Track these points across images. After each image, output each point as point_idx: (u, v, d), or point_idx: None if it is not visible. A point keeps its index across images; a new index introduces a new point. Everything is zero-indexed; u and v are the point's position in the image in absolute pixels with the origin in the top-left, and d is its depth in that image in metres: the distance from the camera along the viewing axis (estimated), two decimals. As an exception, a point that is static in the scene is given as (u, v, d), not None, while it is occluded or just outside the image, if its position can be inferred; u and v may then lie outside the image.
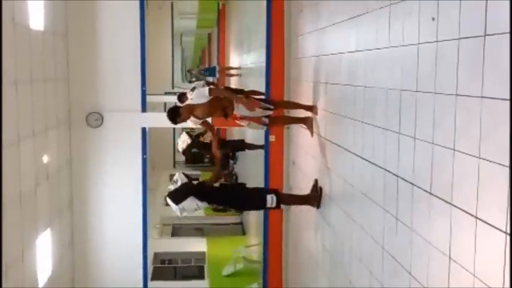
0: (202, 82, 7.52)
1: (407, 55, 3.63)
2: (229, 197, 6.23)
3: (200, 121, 6.01)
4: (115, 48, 8.19)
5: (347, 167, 5.12)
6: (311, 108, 6.36)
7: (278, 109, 6.66)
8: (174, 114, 5.82)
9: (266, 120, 6.35)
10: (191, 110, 5.83)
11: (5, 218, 5.25)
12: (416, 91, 3.48)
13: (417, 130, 3.48)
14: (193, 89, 6.06)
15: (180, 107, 5.92)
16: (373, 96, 4.37)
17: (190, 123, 6.07)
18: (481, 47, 2.68)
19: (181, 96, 7.91)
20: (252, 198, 6.22)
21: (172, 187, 6.03)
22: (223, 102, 5.97)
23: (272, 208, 6.20)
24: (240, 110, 6.01)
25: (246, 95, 6.22)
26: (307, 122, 6.39)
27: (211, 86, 6.27)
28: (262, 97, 6.95)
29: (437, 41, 3.18)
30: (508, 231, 2.47)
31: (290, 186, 7.87)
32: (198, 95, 5.81)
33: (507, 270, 2.48)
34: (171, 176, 20.16)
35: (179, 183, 5.95)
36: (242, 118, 6.17)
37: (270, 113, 6.28)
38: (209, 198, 6.04)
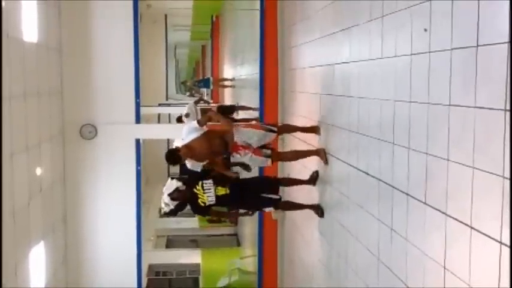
0: (188, 113, 7.59)
1: (400, 66, 3.65)
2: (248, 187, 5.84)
3: (202, 163, 5.54)
4: (109, 60, 8.18)
5: (342, 177, 5.12)
6: (314, 130, 5.95)
7: (280, 133, 6.06)
8: (174, 158, 5.41)
9: (268, 152, 5.75)
10: (189, 149, 5.39)
11: (-2, 232, 5.22)
12: (410, 102, 3.49)
13: (411, 140, 3.49)
14: (180, 119, 5.94)
15: (179, 150, 5.44)
16: (367, 107, 4.38)
17: (191, 165, 5.55)
18: (474, 57, 2.70)
19: (180, 120, 8.00)
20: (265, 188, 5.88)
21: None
22: (218, 132, 5.57)
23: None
24: (240, 135, 5.56)
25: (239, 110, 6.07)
26: (320, 154, 5.70)
27: (199, 118, 5.90)
28: (253, 113, 6.76)
29: (429, 52, 3.20)
30: (503, 240, 2.47)
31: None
32: (189, 131, 5.46)
33: (502, 280, 2.48)
34: (166, 187, 20.16)
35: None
36: (244, 148, 5.56)
37: (273, 137, 5.79)
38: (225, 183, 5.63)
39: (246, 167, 5.62)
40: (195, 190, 5.55)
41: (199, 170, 5.54)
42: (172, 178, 5.71)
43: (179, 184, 5.56)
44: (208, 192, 5.56)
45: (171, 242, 14.04)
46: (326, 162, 5.57)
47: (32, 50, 6.69)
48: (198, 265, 12.85)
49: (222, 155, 5.60)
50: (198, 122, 5.51)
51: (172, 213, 5.68)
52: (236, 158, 5.60)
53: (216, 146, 5.51)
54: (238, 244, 13.68)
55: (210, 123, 5.65)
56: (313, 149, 5.90)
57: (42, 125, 7.08)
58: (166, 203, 5.56)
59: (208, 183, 5.58)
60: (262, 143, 5.68)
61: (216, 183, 5.60)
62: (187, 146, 5.40)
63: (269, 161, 5.75)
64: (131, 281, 8.47)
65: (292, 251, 7.72)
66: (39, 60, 6.98)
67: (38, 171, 6.78)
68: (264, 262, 8.76)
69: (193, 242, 14.24)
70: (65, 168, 8.09)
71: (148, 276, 11.96)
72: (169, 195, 5.52)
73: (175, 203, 5.55)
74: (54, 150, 7.62)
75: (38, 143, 6.77)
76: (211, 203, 5.59)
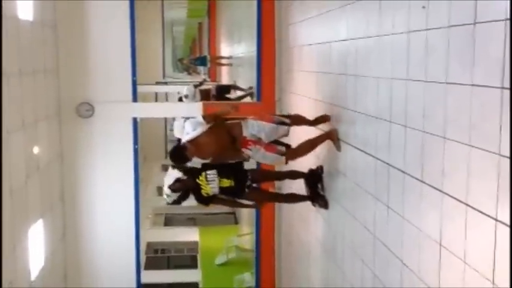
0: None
1: (397, 44, 3.64)
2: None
3: (208, 159, 5.22)
4: (105, 38, 8.12)
5: (339, 156, 5.13)
6: (326, 119, 5.44)
7: (293, 125, 5.36)
8: (181, 156, 5.08)
9: (282, 148, 5.22)
10: (195, 147, 5.03)
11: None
12: (407, 79, 3.49)
13: (408, 118, 3.49)
14: (180, 99, 5.64)
15: (185, 148, 5.06)
16: (364, 85, 4.37)
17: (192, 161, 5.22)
18: (472, 34, 2.69)
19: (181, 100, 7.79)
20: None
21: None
22: (226, 125, 5.16)
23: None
24: (249, 128, 5.10)
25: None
26: (332, 136, 5.19)
27: (204, 112, 5.50)
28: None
29: (427, 29, 3.19)
30: (499, 218, 2.49)
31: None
32: (194, 126, 5.05)
33: (498, 257, 2.50)
34: (163, 166, 20.16)
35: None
36: (254, 142, 5.07)
37: (286, 130, 5.23)
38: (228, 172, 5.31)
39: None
40: (197, 180, 5.21)
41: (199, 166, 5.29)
42: (173, 167, 5.40)
43: (180, 174, 5.25)
44: (211, 183, 5.22)
45: (169, 220, 14.12)
46: (339, 148, 5.08)
47: (27, 28, 6.63)
48: (196, 243, 12.95)
49: (229, 154, 5.17)
50: (204, 118, 5.15)
51: (176, 203, 5.42)
52: (245, 155, 5.17)
53: (223, 142, 5.11)
54: (236, 222, 13.77)
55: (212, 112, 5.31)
56: (324, 132, 5.38)
57: (39, 103, 7.05)
58: (167, 194, 5.29)
59: (212, 174, 5.24)
60: (274, 137, 5.18)
61: (220, 175, 5.25)
62: (192, 143, 5.03)
63: (283, 158, 5.22)
64: (130, 258, 8.52)
65: (289, 229, 7.77)
66: (34, 38, 6.93)
67: (35, 149, 6.78)
68: (261, 240, 8.82)
69: (191, 220, 14.32)
70: (62, 146, 8.08)
71: (147, 254, 12.06)
72: (169, 187, 5.24)
73: (177, 193, 5.28)
74: (51, 129, 7.60)
75: (34, 121, 6.75)
76: (215, 194, 5.29)
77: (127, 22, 8.09)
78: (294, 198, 6.02)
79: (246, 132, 5.07)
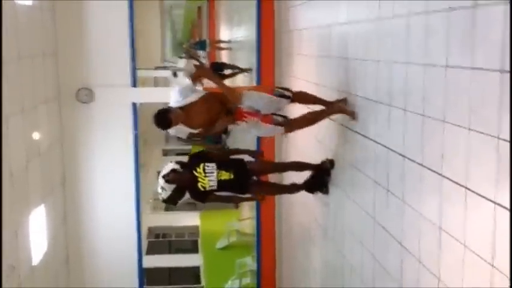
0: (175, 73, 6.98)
1: (397, 27, 3.62)
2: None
3: (193, 130, 4.74)
4: (104, 22, 8.08)
5: (339, 140, 5.13)
6: (343, 101, 4.84)
7: (295, 101, 4.98)
8: (165, 119, 4.57)
9: (279, 119, 4.87)
10: (185, 113, 4.62)
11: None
12: (407, 63, 3.47)
13: (407, 102, 3.48)
14: (175, 74, 5.39)
15: (170, 111, 4.59)
16: (363, 69, 4.36)
17: (176, 131, 4.74)
18: (472, 17, 2.67)
19: (175, 75, 7.58)
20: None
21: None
22: (219, 95, 4.78)
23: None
24: (247, 100, 4.72)
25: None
26: (340, 109, 4.74)
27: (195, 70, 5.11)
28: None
29: (427, 12, 3.17)
30: (498, 201, 2.50)
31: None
32: (184, 92, 4.66)
33: (497, 240, 2.51)
34: (164, 151, 20.17)
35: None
36: (251, 114, 4.73)
37: (286, 104, 4.90)
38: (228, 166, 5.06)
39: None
40: (195, 172, 4.94)
41: (184, 137, 4.80)
42: (171, 161, 5.13)
43: (177, 167, 4.97)
44: (210, 176, 4.95)
45: (170, 205, 14.15)
46: (353, 116, 4.60)
47: (25, 12, 6.60)
48: (197, 227, 13.02)
49: (222, 123, 4.77)
50: (192, 79, 4.84)
51: (170, 200, 5.07)
52: (241, 127, 4.83)
53: (216, 112, 4.73)
54: (236, 206, 13.80)
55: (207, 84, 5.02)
56: (327, 108, 4.94)
57: (38, 87, 7.04)
58: (162, 186, 4.93)
59: (211, 166, 4.98)
60: (272, 110, 4.84)
61: (219, 167, 5.01)
62: (182, 109, 4.63)
63: (282, 129, 4.85)
64: (131, 243, 8.56)
65: (290, 213, 7.79)
66: (33, 22, 6.90)
67: (35, 134, 6.78)
68: (261, 224, 8.86)
69: (191, 205, 14.34)
70: (62, 131, 8.09)
71: (148, 238, 12.11)
72: (163, 177, 4.89)
73: (172, 187, 4.93)
74: (50, 113, 7.60)
75: (34, 105, 6.75)
76: (213, 188, 4.99)
77: (126, 6, 8.05)
78: (297, 188, 5.71)
79: (243, 104, 4.72)
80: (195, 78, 4.81)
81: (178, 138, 4.96)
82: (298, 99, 5.02)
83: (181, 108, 4.62)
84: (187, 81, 4.85)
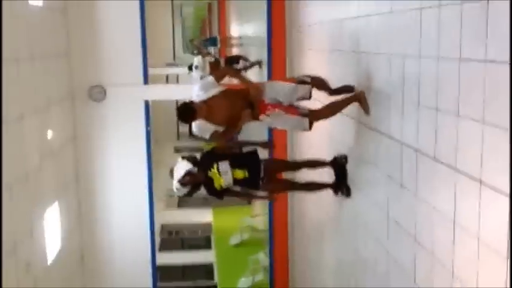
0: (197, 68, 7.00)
1: (409, 20, 3.60)
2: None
3: (216, 128, 4.63)
4: (115, 21, 8.10)
5: (351, 134, 5.12)
6: (348, 89, 4.88)
7: (314, 85, 4.80)
8: (189, 113, 4.50)
9: (305, 110, 4.70)
10: (208, 107, 4.52)
11: (12, 194, 5.30)
12: (420, 56, 3.45)
13: (421, 96, 3.47)
14: (190, 68, 5.34)
15: (194, 106, 4.50)
16: (376, 63, 4.34)
17: (199, 130, 4.63)
18: (485, 10, 2.65)
19: (191, 68, 7.50)
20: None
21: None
22: (240, 91, 4.66)
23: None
24: (268, 91, 4.60)
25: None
26: (360, 98, 4.58)
27: (212, 72, 4.89)
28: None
29: (440, 6, 3.15)
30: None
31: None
32: (206, 87, 4.56)
33: None
34: (175, 148, 20.23)
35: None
36: (274, 106, 4.58)
37: (306, 90, 4.70)
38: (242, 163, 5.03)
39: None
40: (209, 174, 4.93)
41: (207, 137, 4.65)
42: (183, 158, 5.13)
43: (190, 166, 4.95)
44: (225, 176, 4.92)
45: (183, 202, 14.17)
46: (367, 110, 4.52)
47: (37, 13, 6.64)
48: (209, 224, 13.02)
49: (245, 119, 4.61)
50: (214, 77, 4.65)
51: (186, 196, 5.19)
52: (265, 122, 4.69)
53: (238, 106, 4.58)
54: (249, 202, 13.80)
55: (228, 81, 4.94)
56: (350, 95, 4.78)
57: (51, 87, 7.08)
58: (177, 188, 4.98)
59: (225, 166, 4.93)
60: (294, 97, 4.66)
61: (233, 166, 4.95)
62: (205, 103, 4.51)
63: (306, 121, 4.65)
64: (145, 240, 8.60)
65: (302, 208, 7.79)
66: (44, 23, 6.94)
67: (49, 133, 6.83)
68: (274, 220, 8.86)
69: (204, 201, 14.36)
70: (75, 130, 8.13)
71: (161, 236, 12.14)
72: (179, 181, 4.92)
73: (187, 187, 5.01)
74: (64, 112, 7.65)
75: (47, 105, 6.79)
76: (229, 186, 5.01)
77: (137, 4, 8.07)
78: (313, 186, 5.60)
79: (265, 96, 4.58)
80: (219, 76, 4.67)
81: (201, 138, 4.85)
82: (316, 85, 4.87)
83: (204, 101, 4.53)
84: (210, 77, 4.67)
